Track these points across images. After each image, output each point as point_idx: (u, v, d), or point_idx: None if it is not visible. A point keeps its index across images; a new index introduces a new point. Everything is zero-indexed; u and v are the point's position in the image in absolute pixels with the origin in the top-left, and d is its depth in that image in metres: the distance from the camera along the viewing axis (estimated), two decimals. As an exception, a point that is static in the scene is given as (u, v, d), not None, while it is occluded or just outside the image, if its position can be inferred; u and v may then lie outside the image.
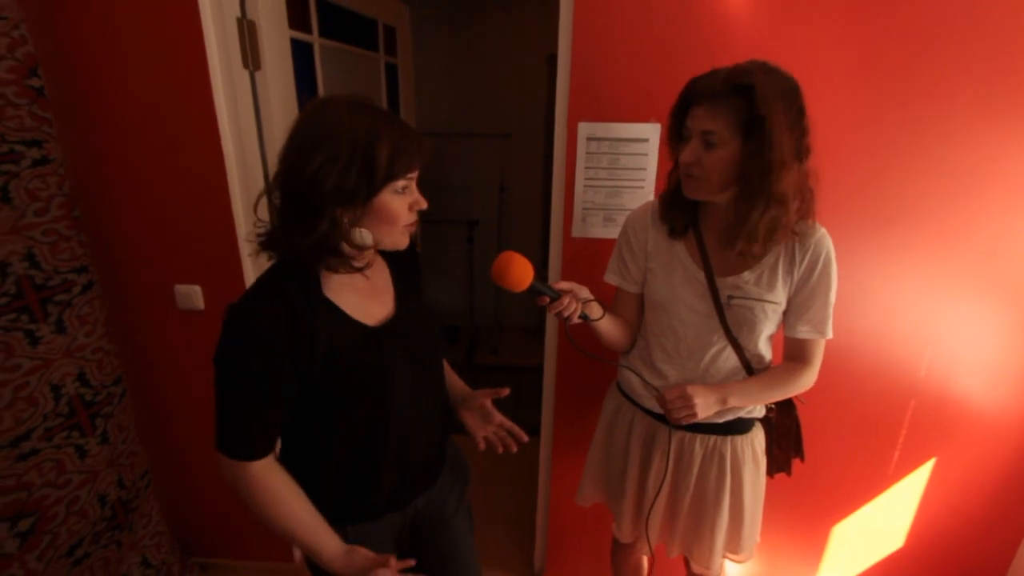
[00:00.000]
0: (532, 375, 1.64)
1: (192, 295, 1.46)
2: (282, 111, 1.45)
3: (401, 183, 0.75)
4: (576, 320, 0.95)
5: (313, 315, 0.75)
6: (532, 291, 0.92)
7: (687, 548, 1.18)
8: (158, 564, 1.54)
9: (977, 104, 1.25)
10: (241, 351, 0.73)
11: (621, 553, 1.41)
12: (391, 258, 0.95)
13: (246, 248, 1.42)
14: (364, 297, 0.85)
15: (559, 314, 0.93)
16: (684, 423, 1.00)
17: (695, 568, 1.21)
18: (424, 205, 0.81)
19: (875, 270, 1.38)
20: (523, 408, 1.85)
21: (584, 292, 0.96)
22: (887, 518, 1.62)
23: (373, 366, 0.81)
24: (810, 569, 1.69)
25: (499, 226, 3.47)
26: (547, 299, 0.92)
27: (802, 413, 1.18)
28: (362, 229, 0.77)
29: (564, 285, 0.94)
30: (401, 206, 0.77)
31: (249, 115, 1.37)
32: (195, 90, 1.27)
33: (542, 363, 1.56)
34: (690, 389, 0.98)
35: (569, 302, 0.93)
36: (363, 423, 0.83)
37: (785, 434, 1.17)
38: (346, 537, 0.84)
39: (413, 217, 0.80)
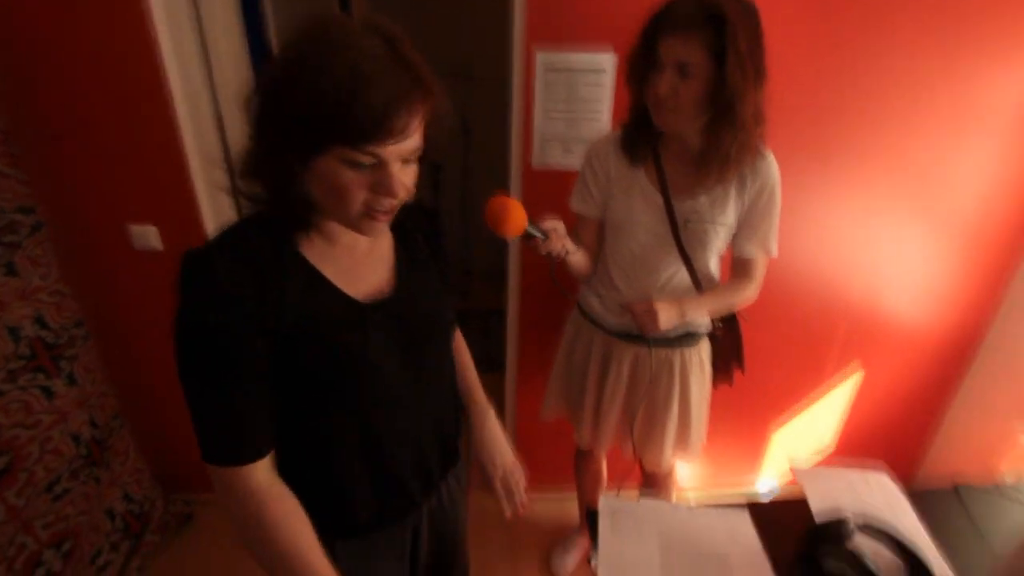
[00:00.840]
0: (500, 318, 1.71)
1: (148, 235, 1.43)
2: (223, 33, 1.38)
3: (357, 155, 0.56)
4: (563, 256, 0.98)
5: (282, 271, 0.62)
6: (525, 235, 0.91)
7: (640, 449, 1.30)
8: (140, 499, 1.59)
9: (917, 40, 1.31)
10: (202, 315, 0.58)
11: (583, 463, 1.54)
12: (397, 225, 0.72)
13: (201, 184, 1.39)
14: (355, 264, 0.70)
15: (549, 253, 0.96)
16: (649, 334, 1.09)
17: (648, 467, 1.34)
18: (396, 196, 0.60)
19: (817, 197, 1.47)
20: (492, 347, 1.93)
21: (562, 227, 0.98)
22: (820, 423, 1.81)
23: (352, 347, 0.66)
24: (751, 468, 1.87)
25: (464, 170, 3.44)
26: (539, 240, 0.94)
27: (744, 329, 1.28)
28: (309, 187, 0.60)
29: (549, 224, 0.95)
30: (353, 182, 0.58)
31: (192, 38, 1.31)
32: (131, 11, 1.19)
33: (504, 307, 1.64)
34: (655, 304, 1.05)
35: (556, 240, 0.95)
36: (336, 418, 0.69)
37: (729, 348, 1.28)
38: (334, 552, 0.67)
39: (382, 203, 0.60)
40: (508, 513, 0.87)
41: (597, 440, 1.34)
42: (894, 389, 1.76)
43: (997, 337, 1.67)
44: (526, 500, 0.89)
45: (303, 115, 0.54)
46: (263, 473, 0.64)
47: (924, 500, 0.97)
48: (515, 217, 0.88)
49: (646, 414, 1.26)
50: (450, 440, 0.86)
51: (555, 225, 0.96)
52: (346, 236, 0.68)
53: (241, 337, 0.59)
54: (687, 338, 1.20)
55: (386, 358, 0.69)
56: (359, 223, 0.62)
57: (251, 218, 0.65)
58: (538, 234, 0.93)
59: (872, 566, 0.80)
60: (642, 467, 1.38)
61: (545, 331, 1.56)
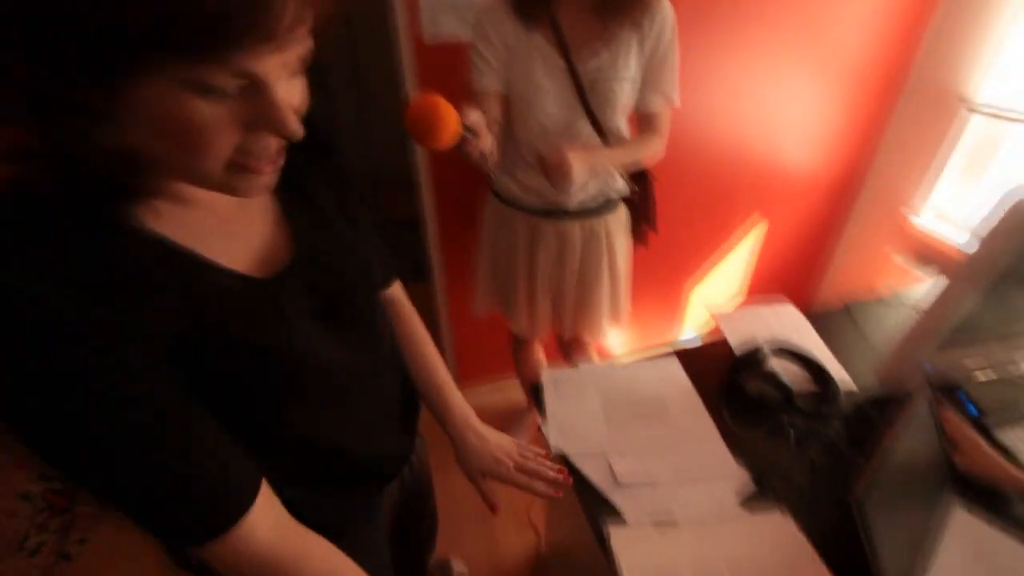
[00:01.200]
0: (415, 226, 1.62)
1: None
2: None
3: (216, 76, 0.33)
4: (491, 153, 0.88)
5: (133, 264, 0.40)
6: (460, 140, 0.77)
7: (577, 324, 1.34)
8: (58, 474, 1.46)
9: None
10: (49, 377, 0.36)
11: (521, 352, 1.58)
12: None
13: None
14: (227, 227, 0.48)
15: (481, 153, 0.85)
16: (561, 187, 1.05)
17: (587, 338, 1.38)
18: (290, 133, 0.39)
19: (711, 49, 1.45)
20: (413, 257, 1.85)
21: (483, 117, 0.87)
22: (731, 272, 1.96)
23: (268, 342, 0.47)
24: (674, 326, 2.04)
25: (354, 66, 3.07)
26: (471, 142, 0.82)
27: (657, 189, 1.30)
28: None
29: (474, 117, 0.82)
30: (213, 120, 0.35)
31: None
32: None
33: (420, 217, 1.55)
34: (567, 154, 1.00)
35: (486, 136, 0.84)
36: (272, 427, 0.52)
37: (643, 208, 1.31)
38: None
39: (266, 147, 0.40)
40: (553, 492, 0.72)
41: (534, 325, 1.36)
42: (792, 232, 1.93)
43: (876, 175, 1.83)
44: (556, 468, 0.73)
45: (99, 12, 0.29)
46: (264, 524, 0.46)
47: (822, 321, 1.10)
48: (449, 122, 0.72)
49: (579, 288, 1.28)
50: (411, 400, 0.73)
51: (478, 117, 0.85)
52: (202, 191, 0.45)
53: (121, 376, 0.39)
54: (607, 204, 1.21)
55: (312, 341, 0.51)
56: (230, 181, 0.40)
57: (31, 189, 0.37)
58: (471, 135, 0.81)
59: (785, 381, 0.90)
60: (572, 344, 1.44)
61: (464, 230, 1.52)
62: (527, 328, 1.38)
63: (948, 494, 0.75)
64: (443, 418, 0.75)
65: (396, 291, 0.75)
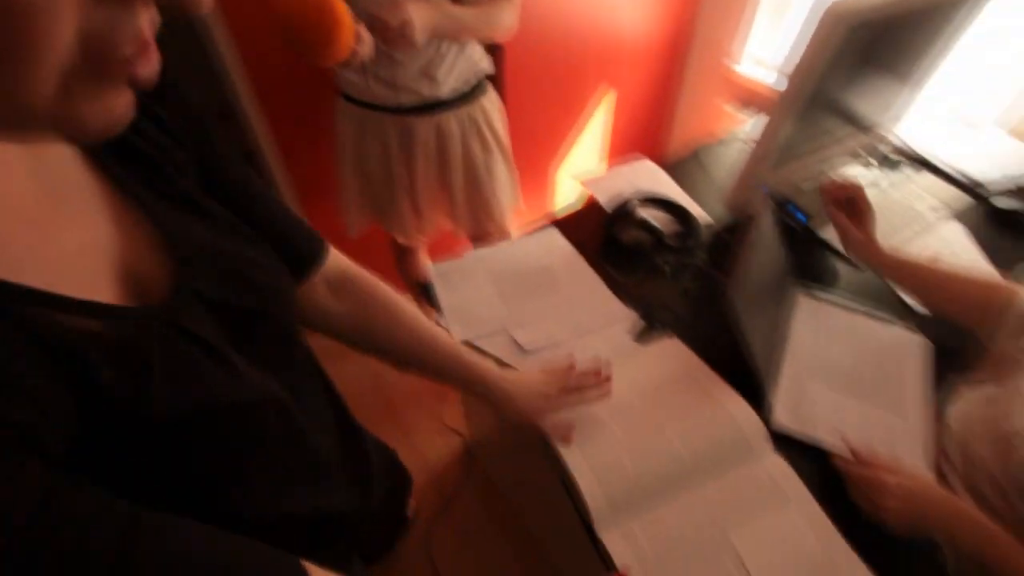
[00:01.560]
0: (253, 157, 1.38)
1: None
2: None
3: None
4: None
5: None
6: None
7: (478, 218, 1.27)
8: None
9: None
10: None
11: (406, 262, 1.50)
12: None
13: None
14: (54, 235, 0.29)
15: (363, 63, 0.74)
16: (403, 50, 0.95)
17: (492, 229, 1.30)
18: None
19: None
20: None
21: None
22: (590, 144, 2.02)
23: (205, 393, 0.33)
24: (548, 201, 2.09)
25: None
26: (356, 49, 0.69)
27: (514, 67, 1.24)
28: None
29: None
30: None
31: None
32: None
33: (256, 148, 1.33)
34: (407, 9, 0.86)
35: (368, 38, 0.73)
36: (220, 493, 0.36)
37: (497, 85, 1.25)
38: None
39: (127, 34, 0.22)
40: (604, 392, 0.69)
41: (422, 231, 1.29)
42: (638, 96, 2.00)
43: (701, 30, 1.93)
44: (592, 369, 0.69)
45: None
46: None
47: (676, 168, 1.17)
48: (346, 26, 0.57)
49: (469, 181, 1.21)
50: (353, 434, 0.60)
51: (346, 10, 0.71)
52: None
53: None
54: (479, 87, 1.14)
55: (247, 378, 0.37)
56: (71, 111, 0.22)
57: None
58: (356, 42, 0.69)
59: (655, 225, 0.96)
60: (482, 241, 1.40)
61: (311, 149, 1.35)
62: (415, 236, 1.30)
63: (792, 287, 0.88)
64: (475, 383, 0.65)
65: (340, 263, 0.59)
